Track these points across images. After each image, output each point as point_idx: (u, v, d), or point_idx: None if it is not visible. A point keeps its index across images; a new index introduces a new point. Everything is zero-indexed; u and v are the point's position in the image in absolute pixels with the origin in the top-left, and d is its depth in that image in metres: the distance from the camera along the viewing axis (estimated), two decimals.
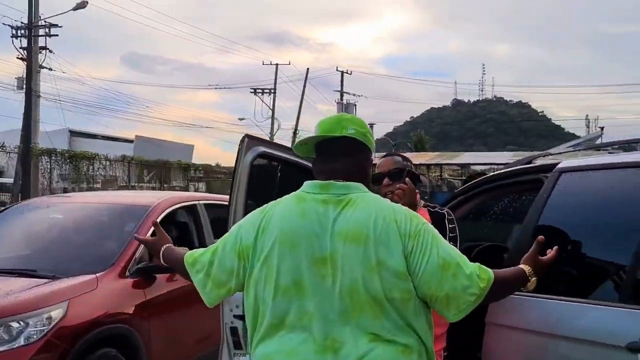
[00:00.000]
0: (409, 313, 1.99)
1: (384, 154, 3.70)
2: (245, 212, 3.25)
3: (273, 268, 2.03)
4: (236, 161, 3.23)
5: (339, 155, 2.16)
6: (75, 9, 24.64)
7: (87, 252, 4.97)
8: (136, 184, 29.70)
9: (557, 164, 3.06)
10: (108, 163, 27.67)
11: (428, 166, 38.78)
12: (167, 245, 2.53)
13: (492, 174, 3.67)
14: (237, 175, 3.22)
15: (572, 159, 3.11)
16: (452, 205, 3.71)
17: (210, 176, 37.72)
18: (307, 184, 2.17)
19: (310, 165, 3.43)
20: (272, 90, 43.81)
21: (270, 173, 3.50)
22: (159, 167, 32.38)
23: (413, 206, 2.82)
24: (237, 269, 2.14)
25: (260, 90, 43.93)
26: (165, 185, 31.60)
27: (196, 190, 32.43)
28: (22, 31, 25.14)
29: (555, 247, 2.26)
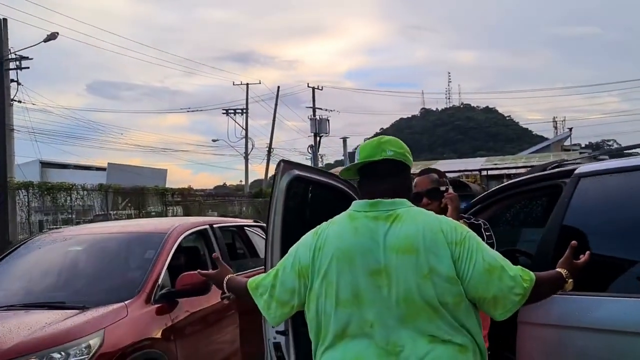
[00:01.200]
0: (461, 314, 2.19)
1: (420, 170, 3.87)
2: (283, 233, 3.44)
3: (333, 283, 2.23)
4: (272, 185, 3.41)
5: (382, 176, 2.36)
6: (46, 40, 24.60)
7: (112, 282, 5.10)
8: (112, 212, 29.50)
9: (575, 169, 3.27)
10: (85, 193, 27.47)
11: None
12: (229, 275, 2.76)
13: (510, 181, 3.89)
14: (274, 199, 3.40)
15: (590, 164, 3.34)
16: (472, 213, 3.91)
17: (187, 200, 37.62)
18: (356, 203, 2.38)
19: (339, 185, 3.66)
20: (244, 110, 43.95)
21: (301, 194, 3.69)
22: (136, 193, 32.21)
23: (457, 210, 3.03)
24: (298, 287, 2.35)
25: (232, 111, 44.05)
26: (143, 212, 31.43)
27: (174, 214, 32.31)
28: None
29: (587, 252, 2.50)
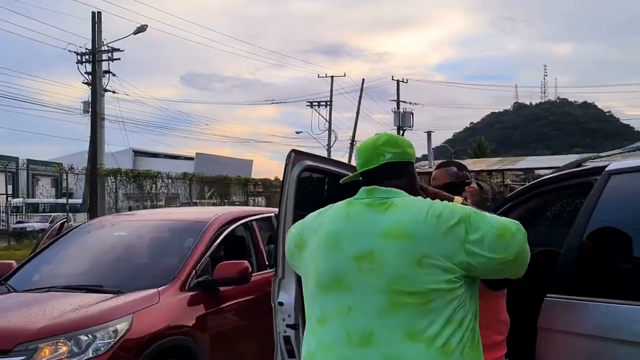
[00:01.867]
0: (451, 306, 2.05)
1: (440, 162, 3.69)
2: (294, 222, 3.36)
3: (317, 266, 2.17)
4: (284, 175, 3.33)
5: (384, 179, 2.27)
6: (135, 32, 25.57)
7: (149, 268, 5.18)
8: (198, 200, 30.41)
9: (606, 166, 3.02)
10: (170, 181, 28.45)
11: (489, 172, 38.13)
12: None
13: (542, 178, 3.64)
14: (285, 189, 3.32)
15: (622, 160, 3.07)
16: (503, 211, 3.69)
17: (270, 190, 38.26)
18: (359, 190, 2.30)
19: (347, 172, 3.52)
20: (328, 103, 44.10)
21: (317, 184, 3.60)
22: (219, 183, 33.05)
23: (480, 205, 2.87)
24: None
25: (316, 103, 44.31)
26: (225, 201, 32.21)
27: (256, 204, 32.90)
28: (87, 57, 26.25)
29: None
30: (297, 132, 47.63)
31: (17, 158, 44.06)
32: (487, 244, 2.06)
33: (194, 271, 4.98)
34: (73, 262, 5.54)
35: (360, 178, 2.35)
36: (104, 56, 26.64)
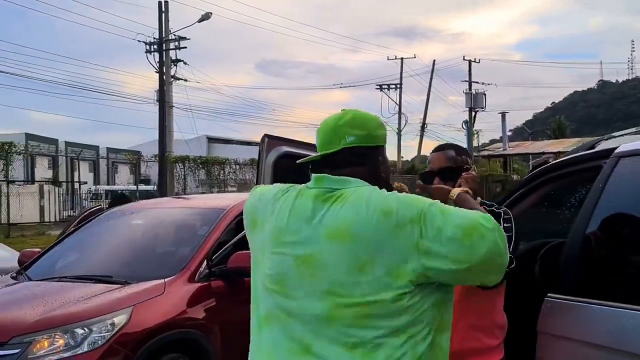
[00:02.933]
0: (401, 318, 1.75)
1: (437, 146, 3.34)
2: None
3: (264, 263, 1.93)
4: (258, 162, 3.08)
5: (344, 166, 1.94)
6: (200, 20, 25.84)
7: (160, 257, 5.06)
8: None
9: (615, 148, 2.63)
10: (238, 167, 28.74)
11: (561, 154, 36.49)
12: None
13: (550, 163, 3.24)
14: (260, 177, 3.07)
15: (634, 142, 2.65)
16: (515, 198, 3.33)
17: None
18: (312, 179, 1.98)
19: None
20: (398, 85, 43.39)
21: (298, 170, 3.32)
22: None
23: (476, 194, 2.55)
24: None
25: (386, 86, 43.67)
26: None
27: None
28: (155, 46, 26.76)
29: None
30: None
31: (98, 147, 45.88)
32: (447, 246, 1.72)
33: (207, 261, 4.81)
34: (88, 252, 5.48)
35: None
36: (171, 45, 27.10)
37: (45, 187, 28.48)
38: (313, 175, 1.96)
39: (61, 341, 3.98)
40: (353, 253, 1.75)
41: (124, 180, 42.74)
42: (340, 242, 1.77)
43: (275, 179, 3.10)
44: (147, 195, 28.35)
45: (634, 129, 2.88)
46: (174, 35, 27.03)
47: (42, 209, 27.33)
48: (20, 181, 27.19)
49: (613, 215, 2.62)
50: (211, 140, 49.32)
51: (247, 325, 1.98)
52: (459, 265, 1.73)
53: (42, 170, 37.81)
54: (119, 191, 28.47)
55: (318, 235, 1.81)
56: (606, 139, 2.96)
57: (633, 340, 2.23)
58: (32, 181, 31.37)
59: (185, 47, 27.48)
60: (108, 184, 41.83)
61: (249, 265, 5.24)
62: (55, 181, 31.56)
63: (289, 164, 3.28)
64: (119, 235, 5.57)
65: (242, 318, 4.84)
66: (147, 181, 36.37)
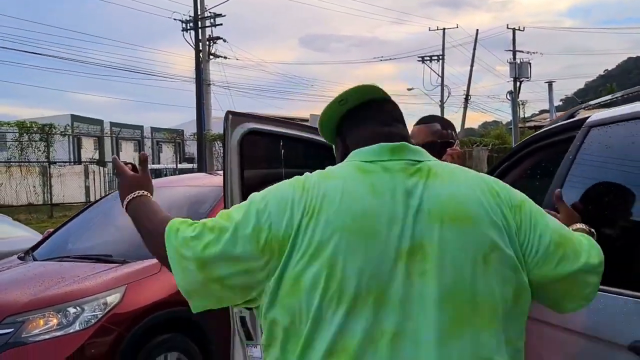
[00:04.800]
0: (513, 321, 1.45)
1: (420, 118, 3.16)
2: (242, 194, 3.01)
3: (334, 269, 1.36)
4: (224, 140, 2.99)
5: (394, 120, 1.62)
6: None
7: None
8: None
9: (587, 118, 2.47)
10: None
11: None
12: (143, 192, 1.75)
13: (531, 135, 3.07)
14: (227, 159, 2.97)
15: (605, 110, 2.46)
16: (501, 170, 3.17)
17: None
18: (364, 151, 1.53)
19: (315, 137, 3.10)
20: (440, 57, 42.59)
21: (270, 151, 3.21)
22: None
23: None
24: (256, 267, 1.41)
25: (428, 58, 42.92)
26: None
27: None
28: (191, 24, 26.84)
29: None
30: (409, 89, 46.57)
31: (142, 126, 46.60)
32: (537, 248, 1.46)
33: None
34: (93, 231, 5.53)
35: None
36: (207, 23, 27.14)
37: (90, 168, 29.10)
38: (386, 146, 1.52)
39: (54, 320, 4.02)
40: (477, 239, 1.39)
41: (167, 159, 43.36)
42: (459, 226, 1.40)
43: (242, 159, 3.00)
44: (187, 173, 28.76)
45: (609, 97, 2.67)
46: (209, 12, 27.07)
47: (87, 189, 27.97)
48: (64, 162, 27.80)
49: (585, 187, 2.46)
50: None
51: None
52: (539, 274, 1.49)
53: (88, 150, 38.69)
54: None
55: (423, 219, 1.39)
56: (584, 108, 2.77)
57: (601, 327, 2.06)
58: (79, 162, 32.10)
59: (221, 25, 27.50)
60: (153, 163, 42.53)
61: None
62: (100, 161, 32.21)
63: (257, 142, 3.19)
64: (123, 215, 5.58)
65: None
66: (190, 159, 36.79)
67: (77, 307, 4.06)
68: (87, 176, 28.35)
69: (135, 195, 1.75)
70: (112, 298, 4.15)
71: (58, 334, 3.97)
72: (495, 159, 40.43)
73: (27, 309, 4.03)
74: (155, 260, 4.45)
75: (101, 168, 30.21)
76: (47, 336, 3.96)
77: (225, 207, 3.04)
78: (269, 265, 1.40)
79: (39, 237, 6.58)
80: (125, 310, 4.16)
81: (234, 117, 2.96)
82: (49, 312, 4.03)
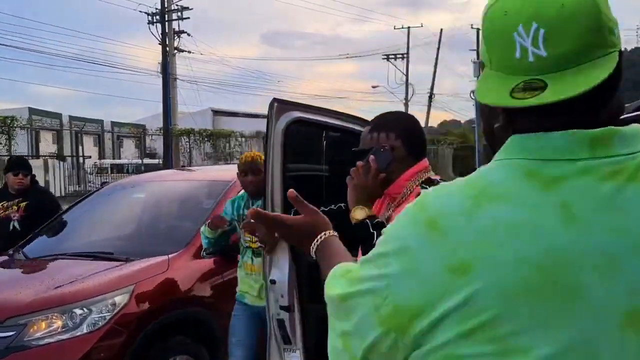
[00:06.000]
0: None
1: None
2: (284, 187, 2.83)
3: (521, 343, 0.81)
4: (267, 129, 2.79)
5: (605, 104, 0.92)
6: None
7: (163, 233, 4.80)
8: None
9: None
10: (244, 139, 28.39)
11: None
12: (330, 233, 1.33)
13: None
14: (269, 147, 2.78)
15: None
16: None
17: None
18: (539, 140, 0.88)
19: (358, 127, 2.91)
20: (405, 55, 42.73)
21: (313, 138, 3.03)
22: None
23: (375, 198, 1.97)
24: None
25: (392, 56, 43.01)
26: None
27: None
28: (157, 17, 26.24)
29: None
30: (373, 87, 46.72)
31: (102, 121, 45.50)
32: None
33: None
34: (88, 227, 5.23)
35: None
36: (174, 16, 26.59)
37: (50, 162, 28.23)
38: (578, 135, 0.86)
39: (59, 322, 3.74)
40: None
41: (129, 154, 42.46)
42: None
43: (285, 149, 2.82)
44: (153, 168, 28.19)
45: None
46: (176, 5, 26.53)
47: (47, 183, 27.12)
48: (25, 156, 26.92)
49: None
50: (216, 112, 48.76)
51: None
52: None
53: (46, 144, 37.57)
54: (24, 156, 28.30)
55: None
56: None
57: None
58: (37, 156, 31.13)
59: (188, 18, 26.94)
60: (113, 158, 41.57)
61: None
62: (59, 156, 31.32)
63: (301, 131, 3.01)
64: (120, 210, 5.32)
65: None
66: (153, 155, 36.05)
67: (84, 309, 3.78)
68: (46, 171, 27.48)
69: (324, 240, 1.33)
70: (121, 298, 3.89)
71: (64, 337, 3.70)
72: (460, 157, 40.93)
73: (29, 310, 3.75)
74: (161, 258, 4.26)
75: (61, 163, 29.35)
76: (52, 339, 3.68)
77: (265, 199, 2.84)
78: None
79: None
80: (134, 311, 3.91)
81: (279, 105, 2.77)
82: (53, 314, 3.75)
